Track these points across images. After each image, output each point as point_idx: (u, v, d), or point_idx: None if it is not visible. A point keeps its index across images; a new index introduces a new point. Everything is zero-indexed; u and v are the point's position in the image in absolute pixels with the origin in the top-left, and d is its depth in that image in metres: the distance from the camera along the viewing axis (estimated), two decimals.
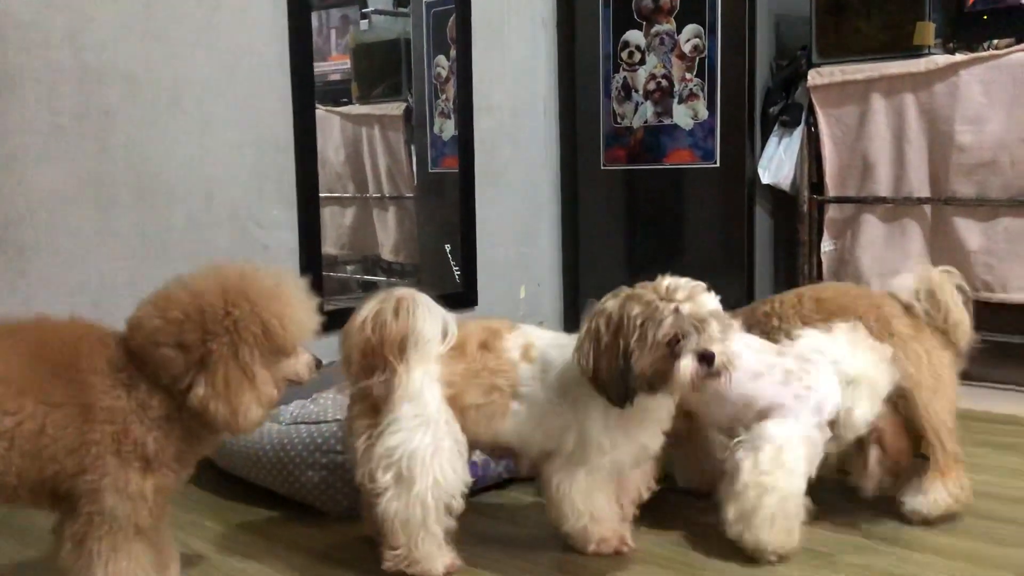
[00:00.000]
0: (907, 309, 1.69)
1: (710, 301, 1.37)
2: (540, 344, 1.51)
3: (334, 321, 2.49)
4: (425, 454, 1.41)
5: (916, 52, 2.63)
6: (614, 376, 1.36)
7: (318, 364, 1.36)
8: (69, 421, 1.18)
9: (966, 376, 2.60)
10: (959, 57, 2.55)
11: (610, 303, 1.40)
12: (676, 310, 1.34)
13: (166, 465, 1.24)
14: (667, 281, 1.38)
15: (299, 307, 1.29)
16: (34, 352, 1.19)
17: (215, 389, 1.20)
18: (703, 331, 1.35)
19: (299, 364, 1.32)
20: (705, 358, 1.35)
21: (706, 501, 1.77)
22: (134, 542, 1.23)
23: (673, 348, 1.34)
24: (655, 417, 1.47)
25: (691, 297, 1.36)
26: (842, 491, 1.74)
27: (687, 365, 1.34)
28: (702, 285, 1.39)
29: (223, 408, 1.21)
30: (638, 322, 1.35)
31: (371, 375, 1.42)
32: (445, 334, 1.47)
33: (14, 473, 1.17)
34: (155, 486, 1.23)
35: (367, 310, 1.44)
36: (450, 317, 1.50)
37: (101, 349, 1.23)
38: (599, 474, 1.47)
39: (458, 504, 1.45)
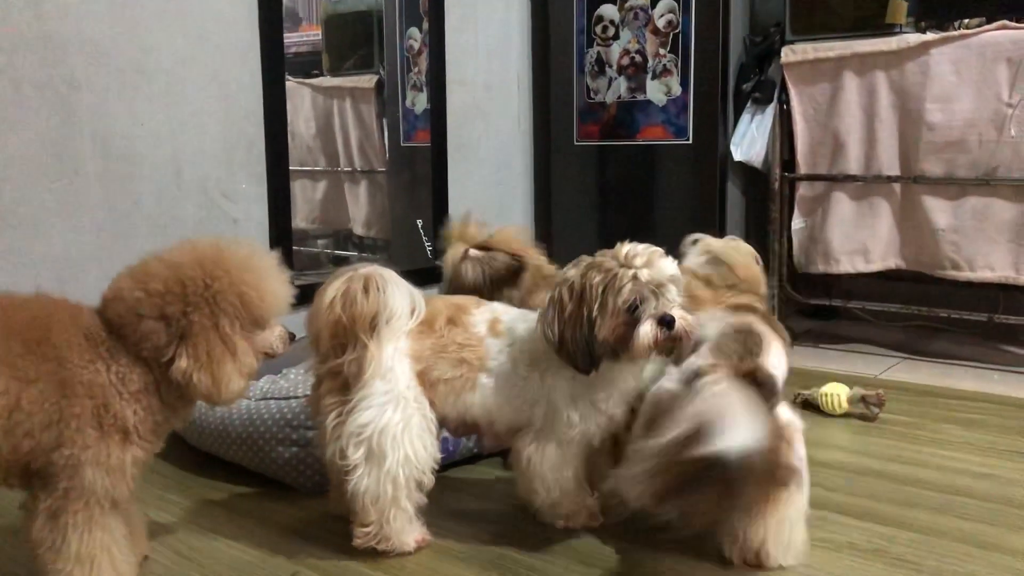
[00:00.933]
0: (707, 282, 1.77)
1: (668, 266, 1.39)
2: (506, 319, 1.52)
3: (305, 296, 2.49)
4: (396, 430, 1.41)
5: (888, 30, 2.64)
6: (578, 344, 1.38)
7: (292, 338, 1.37)
8: (45, 396, 1.17)
9: (931, 353, 2.65)
10: (930, 36, 2.57)
11: (571, 272, 1.42)
12: (635, 276, 1.36)
13: (144, 438, 1.25)
14: (626, 248, 1.40)
15: (275, 280, 1.31)
16: (3, 329, 1.17)
17: (197, 361, 1.21)
18: (661, 296, 1.37)
19: (273, 337, 1.34)
20: (664, 322, 1.36)
21: None
22: (109, 516, 1.24)
23: (633, 314, 1.36)
24: (621, 387, 1.48)
25: (649, 263, 1.37)
26: None
27: (647, 330, 1.36)
28: (660, 251, 1.41)
29: (205, 379, 1.22)
30: (599, 290, 1.37)
31: (341, 353, 1.42)
32: (414, 310, 1.47)
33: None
34: (133, 459, 1.24)
35: (334, 289, 1.43)
36: (417, 293, 1.50)
37: (75, 323, 1.22)
38: (569, 448, 1.48)
39: (428, 480, 1.45)
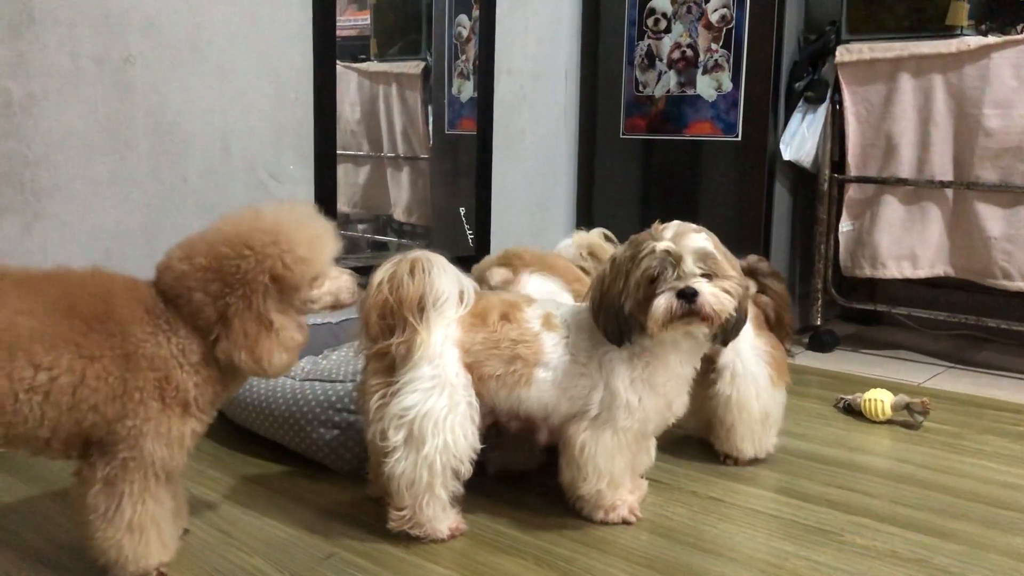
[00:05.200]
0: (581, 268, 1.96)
1: (696, 241, 1.38)
2: (560, 312, 1.52)
3: None
4: (439, 416, 1.40)
5: (948, 32, 2.58)
6: (609, 315, 1.41)
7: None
8: (109, 371, 1.19)
9: (977, 363, 2.60)
10: (992, 39, 2.51)
11: (618, 249, 1.47)
12: (657, 249, 1.37)
13: (202, 409, 1.27)
14: (663, 224, 1.42)
15: (304, 242, 1.28)
16: (66, 305, 1.19)
17: (236, 342, 1.22)
18: (680, 268, 1.36)
19: (338, 287, 1.33)
20: (684, 295, 1.35)
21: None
22: (161, 488, 1.25)
23: (653, 285, 1.37)
24: (678, 370, 1.48)
25: (677, 236, 1.38)
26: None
27: (661, 302, 1.36)
28: (693, 226, 1.41)
29: (247, 357, 1.23)
30: (627, 262, 1.40)
31: (389, 335, 1.42)
32: (462, 296, 1.47)
33: (48, 426, 1.18)
34: (192, 431, 1.26)
35: (382, 272, 1.44)
36: (466, 279, 1.50)
37: (135, 297, 1.24)
38: (625, 436, 1.48)
39: (466, 469, 1.45)
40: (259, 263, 1.24)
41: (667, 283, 1.37)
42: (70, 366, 1.16)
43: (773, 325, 1.82)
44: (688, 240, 1.38)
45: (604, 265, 1.46)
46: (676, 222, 1.42)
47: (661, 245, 1.37)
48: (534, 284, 1.80)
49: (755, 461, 1.84)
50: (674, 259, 1.36)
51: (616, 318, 1.40)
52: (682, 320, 1.38)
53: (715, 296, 1.37)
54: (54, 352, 1.16)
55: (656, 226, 1.42)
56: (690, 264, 1.37)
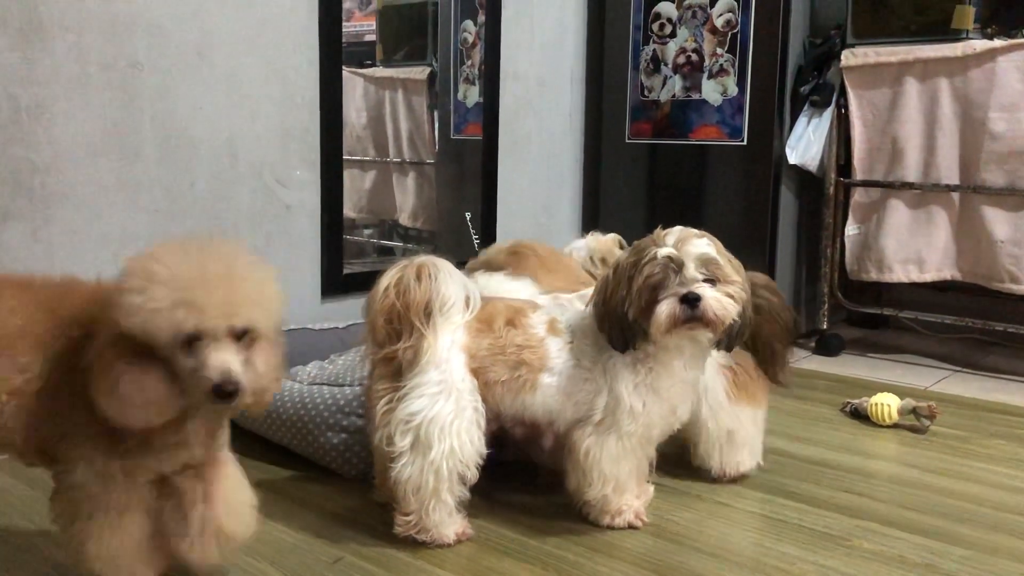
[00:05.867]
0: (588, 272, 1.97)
1: (698, 246, 1.38)
2: (565, 317, 1.52)
3: (351, 284, 2.51)
4: (445, 421, 1.41)
5: (953, 36, 2.58)
6: (613, 321, 1.41)
7: (226, 384, 1.05)
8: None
9: (984, 367, 2.60)
10: (997, 43, 2.51)
11: (621, 255, 1.47)
12: (659, 254, 1.37)
13: (136, 449, 1.14)
14: (666, 230, 1.42)
15: (180, 290, 1.04)
16: (52, 308, 1.16)
17: (97, 390, 1.08)
18: (682, 274, 1.37)
19: (199, 366, 1.05)
20: (686, 300, 1.36)
21: None
22: (118, 516, 1.16)
23: (656, 291, 1.38)
24: (682, 376, 1.48)
25: (680, 242, 1.38)
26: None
27: (664, 308, 1.37)
28: (696, 232, 1.41)
29: (109, 409, 1.08)
30: (630, 267, 1.40)
31: (396, 340, 1.42)
32: (468, 301, 1.47)
33: (19, 430, 1.14)
34: (129, 466, 1.16)
35: (389, 277, 1.44)
36: (473, 284, 1.51)
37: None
38: (630, 441, 1.48)
39: (472, 474, 1.45)
40: (117, 305, 1.05)
41: (670, 289, 1.37)
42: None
43: (755, 347, 1.70)
44: (690, 246, 1.38)
45: (607, 273, 1.46)
46: (679, 227, 1.42)
47: (663, 251, 1.37)
48: (494, 284, 1.79)
49: (738, 479, 1.78)
50: (676, 265, 1.37)
51: (620, 324, 1.41)
52: (685, 326, 1.38)
53: (718, 301, 1.37)
54: (34, 353, 1.12)
55: (659, 232, 1.42)
56: (692, 270, 1.37)
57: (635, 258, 1.41)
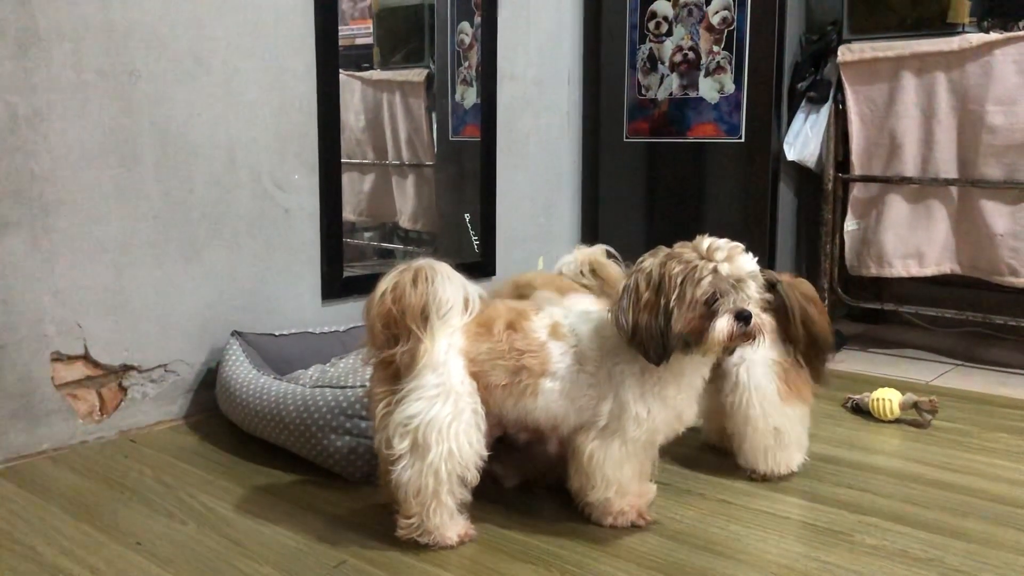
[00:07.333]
0: (584, 287, 1.94)
1: (748, 262, 1.40)
2: (568, 320, 1.51)
3: (351, 287, 2.51)
4: (443, 423, 1.40)
5: (950, 30, 2.58)
6: (652, 334, 1.38)
7: None
8: None
9: (985, 360, 2.60)
10: (994, 36, 2.51)
11: (648, 261, 1.42)
12: (715, 270, 1.36)
13: None
14: (707, 241, 1.40)
15: None
16: None
17: None
18: (740, 291, 1.37)
19: None
20: (741, 317, 1.37)
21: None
22: None
23: (711, 307, 1.37)
24: (690, 381, 1.48)
25: (730, 257, 1.38)
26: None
27: (723, 324, 1.36)
28: (741, 246, 1.41)
29: None
30: (678, 280, 1.37)
31: (394, 344, 1.42)
32: (467, 303, 1.47)
33: None
34: None
35: (386, 282, 1.44)
36: (472, 287, 1.50)
37: None
38: (634, 445, 1.47)
39: (473, 476, 1.45)
40: None
41: (727, 305, 1.37)
42: None
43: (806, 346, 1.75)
44: (742, 261, 1.39)
45: (632, 277, 1.42)
46: (723, 240, 1.41)
47: (724, 268, 1.36)
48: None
49: (786, 477, 1.78)
50: (734, 282, 1.37)
51: (661, 336, 1.38)
52: (737, 340, 1.39)
53: (761, 317, 1.40)
54: None
55: (701, 243, 1.40)
56: (752, 289, 1.38)
57: (681, 269, 1.37)
